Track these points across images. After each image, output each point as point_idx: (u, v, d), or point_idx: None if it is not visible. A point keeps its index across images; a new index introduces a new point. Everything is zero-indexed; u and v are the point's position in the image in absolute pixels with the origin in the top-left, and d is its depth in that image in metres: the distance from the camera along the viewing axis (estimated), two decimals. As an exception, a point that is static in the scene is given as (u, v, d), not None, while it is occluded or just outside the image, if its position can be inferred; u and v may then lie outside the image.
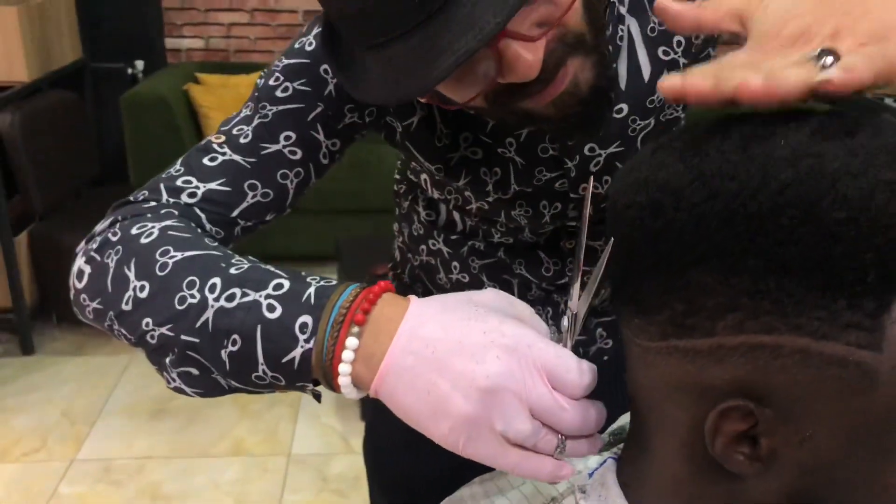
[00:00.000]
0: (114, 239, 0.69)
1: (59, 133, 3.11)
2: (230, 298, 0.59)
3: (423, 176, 0.92)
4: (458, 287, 0.95)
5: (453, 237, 0.93)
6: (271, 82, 0.78)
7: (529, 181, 0.82)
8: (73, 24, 3.37)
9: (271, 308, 0.58)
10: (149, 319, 0.62)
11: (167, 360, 0.62)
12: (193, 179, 0.74)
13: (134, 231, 0.69)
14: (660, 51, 0.78)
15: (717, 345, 0.44)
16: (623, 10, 0.77)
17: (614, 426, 0.63)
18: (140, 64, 3.72)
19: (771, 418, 0.43)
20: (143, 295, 0.63)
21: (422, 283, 1.02)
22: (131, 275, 0.65)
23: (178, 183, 0.74)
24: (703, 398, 0.45)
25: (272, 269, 0.62)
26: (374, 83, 0.63)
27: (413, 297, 0.57)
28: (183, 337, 0.60)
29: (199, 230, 0.72)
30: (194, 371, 0.61)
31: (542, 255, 0.90)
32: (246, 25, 3.82)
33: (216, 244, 0.68)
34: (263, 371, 0.58)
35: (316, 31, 0.77)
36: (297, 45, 0.78)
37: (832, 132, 0.43)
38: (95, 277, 0.68)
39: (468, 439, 0.51)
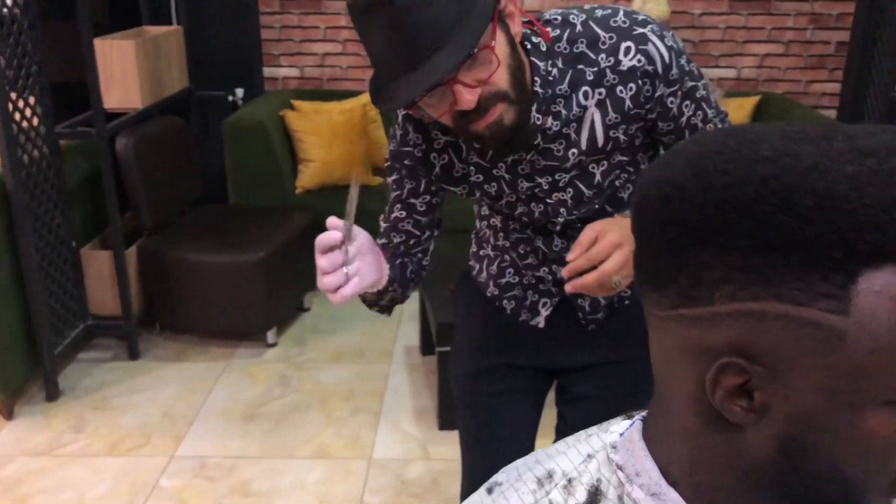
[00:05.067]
0: None
1: (167, 155, 3.36)
2: None
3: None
4: (502, 247, 1.42)
5: (502, 217, 1.38)
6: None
7: (515, 190, 1.27)
8: (181, 55, 3.64)
9: None
10: None
11: None
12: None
13: None
14: (610, 132, 1.22)
15: (714, 312, 0.53)
16: (590, 103, 1.19)
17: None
18: (240, 91, 3.98)
19: (761, 374, 0.52)
20: None
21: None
22: None
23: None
24: (705, 357, 0.54)
25: None
26: (385, 99, 1.06)
27: None
28: None
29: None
30: None
31: (555, 237, 1.34)
32: (338, 55, 4.04)
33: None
34: None
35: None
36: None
37: (811, 137, 0.52)
38: None
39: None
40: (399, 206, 1.33)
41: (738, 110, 3.72)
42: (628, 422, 0.69)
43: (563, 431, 1.49)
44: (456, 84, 1.04)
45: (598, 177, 1.26)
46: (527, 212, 1.30)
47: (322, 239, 1.05)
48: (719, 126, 1.23)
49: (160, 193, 3.25)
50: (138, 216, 3.17)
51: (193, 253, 3.09)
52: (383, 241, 1.36)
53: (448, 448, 2.53)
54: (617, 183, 1.29)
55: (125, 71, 3.12)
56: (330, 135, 3.65)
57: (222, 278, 3.07)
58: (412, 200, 1.32)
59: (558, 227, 1.33)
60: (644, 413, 0.68)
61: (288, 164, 3.64)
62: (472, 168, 1.28)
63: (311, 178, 3.62)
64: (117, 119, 3.09)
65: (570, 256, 1.13)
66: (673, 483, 0.61)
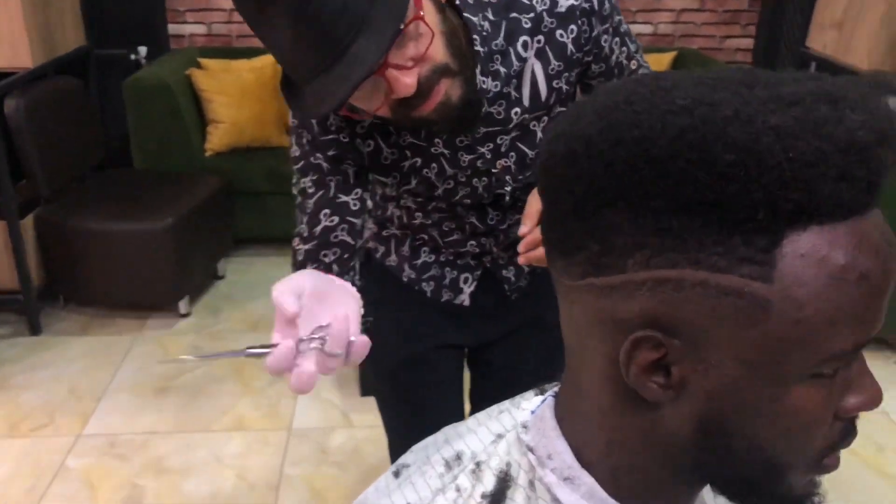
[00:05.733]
0: None
1: (64, 118, 3.16)
2: None
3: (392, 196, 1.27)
4: (418, 226, 1.26)
5: (423, 199, 1.21)
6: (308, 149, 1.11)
7: (457, 167, 1.12)
8: (76, 10, 3.42)
9: None
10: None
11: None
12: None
13: None
14: (553, 83, 1.10)
15: (627, 280, 0.48)
16: (529, 55, 1.06)
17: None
18: (143, 50, 3.77)
19: (678, 348, 0.48)
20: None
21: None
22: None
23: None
24: (618, 331, 0.49)
25: None
26: (308, 106, 0.90)
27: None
28: None
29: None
30: None
31: (489, 210, 1.22)
32: (247, 10, 3.85)
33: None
34: None
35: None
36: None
37: (732, 84, 0.47)
38: None
39: None
40: (327, 211, 1.08)
41: (655, 65, 3.69)
42: (540, 398, 0.64)
43: (478, 404, 1.44)
44: (388, 69, 0.88)
45: (539, 134, 1.14)
46: (469, 192, 1.15)
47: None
48: (640, 60, 1.15)
49: (57, 159, 3.06)
50: (34, 184, 2.98)
51: (96, 221, 2.93)
52: (313, 266, 1.08)
53: (370, 416, 2.47)
54: None
55: (12, 27, 2.91)
56: (240, 94, 3.49)
57: (128, 247, 2.92)
58: (343, 199, 1.09)
59: (492, 199, 1.20)
60: (557, 387, 0.63)
61: (196, 125, 3.47)
62: (406, 152, 1.10)
63: (221, 140, 3.46)
64: (5, 79, 2.87)
65: (522, 230, 1.05)
66: (587, 465, 0.56)
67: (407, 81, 0.90)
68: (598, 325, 0.51)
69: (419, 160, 1.11)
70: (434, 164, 1.11)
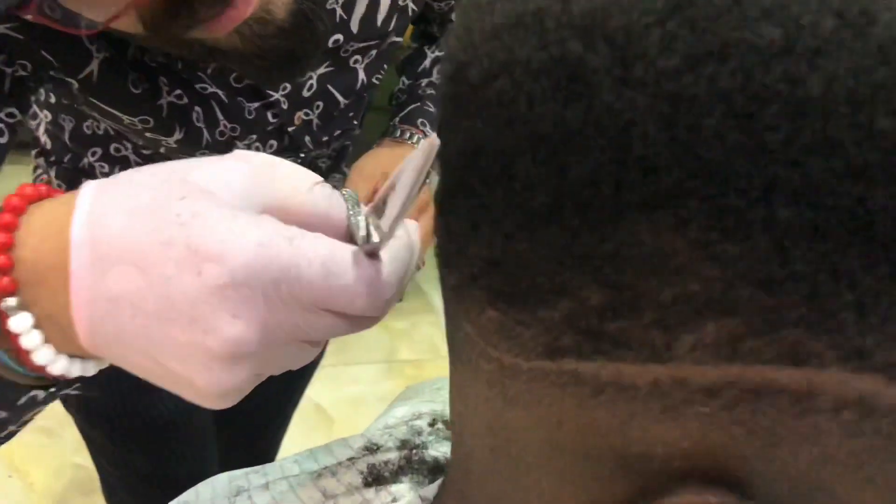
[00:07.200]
0: None
1: None
2: None
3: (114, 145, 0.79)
4: None
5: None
6: None
7: (238, 115, 0.72)
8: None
9: None
10: None
11: None
12: None
13: None
14: (401, 0, 0.76)
15: (672, 378, 0.23)
16: None
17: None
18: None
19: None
20: None
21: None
22: None
23: None
24: (628, 479, 0.25)
25: None
26: None
27: (83, 193, 0.33)
28: None
29: None
30: None
31: None
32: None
33: None
34: None
35: None
36: None
37: None
38: None
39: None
40: None
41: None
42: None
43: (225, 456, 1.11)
44: None
45: (361, 74, 0.79)
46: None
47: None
48: None
49: None
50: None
51: None
52: None
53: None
54: (375, 80, 0.83)
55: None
56: None
57: None
58: None
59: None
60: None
61: None
62: (162, 81, 0.67)
63: None
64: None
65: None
66: None
67: None
68: (576, 459, 0.26)
69: (186, 97, 0.69)
70: (197, 109, 0.71)
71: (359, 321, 0.34)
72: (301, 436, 2.17)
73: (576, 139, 0.22)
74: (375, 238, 0.33)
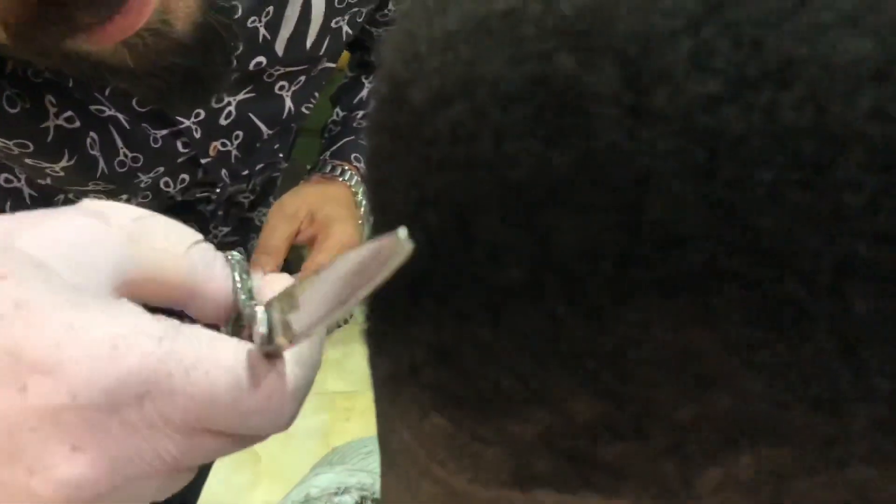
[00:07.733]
0: None
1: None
2: None
3: None
4: None
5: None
6: None
7: (141, 143, 0.64)
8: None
9: None
10: None
11: None
12: None
13: None
14: (334, 20, 0.70)
15: None
16: None
17: None
18: None
19: None
20: None
21: None
22: None
23: None
24: None
25: None
26: None
27: None
28: None
29: None
30: None
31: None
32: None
33: None
34: None
35: None
36: None
37: None
38: None
39: None
40: None
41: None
42: None
43: None
44: None
45: (288, 102, 0.73)
46: (155, 194, 0.70)
47: None
48: None
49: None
50: None
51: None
52: None
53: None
54: (305, 110, 0.76)
55: None
56: None
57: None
58: None
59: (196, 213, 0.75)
60: None
61: None
62: (49, 100, 0.60)
63: None
64: None
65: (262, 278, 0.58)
66: None
67: None
68: None
69: (78, 121, 0.62)
70: (93, 135, 0.63)
71: (251, 439, 0.25)
72: (227, 470, 2.06)
73: (565, 193, 0.15)
74: (280, 337, 0.23)
